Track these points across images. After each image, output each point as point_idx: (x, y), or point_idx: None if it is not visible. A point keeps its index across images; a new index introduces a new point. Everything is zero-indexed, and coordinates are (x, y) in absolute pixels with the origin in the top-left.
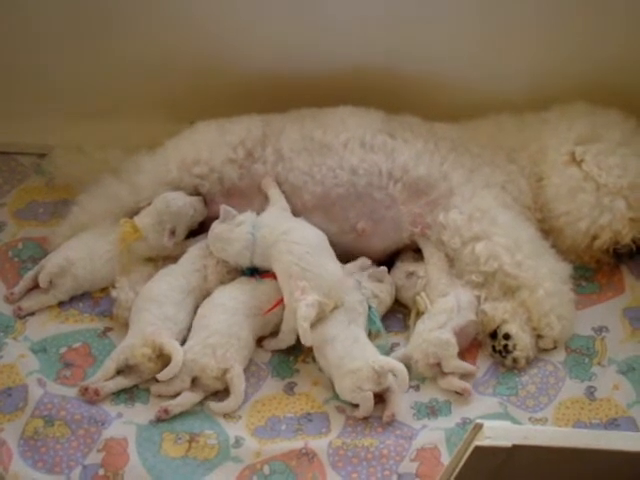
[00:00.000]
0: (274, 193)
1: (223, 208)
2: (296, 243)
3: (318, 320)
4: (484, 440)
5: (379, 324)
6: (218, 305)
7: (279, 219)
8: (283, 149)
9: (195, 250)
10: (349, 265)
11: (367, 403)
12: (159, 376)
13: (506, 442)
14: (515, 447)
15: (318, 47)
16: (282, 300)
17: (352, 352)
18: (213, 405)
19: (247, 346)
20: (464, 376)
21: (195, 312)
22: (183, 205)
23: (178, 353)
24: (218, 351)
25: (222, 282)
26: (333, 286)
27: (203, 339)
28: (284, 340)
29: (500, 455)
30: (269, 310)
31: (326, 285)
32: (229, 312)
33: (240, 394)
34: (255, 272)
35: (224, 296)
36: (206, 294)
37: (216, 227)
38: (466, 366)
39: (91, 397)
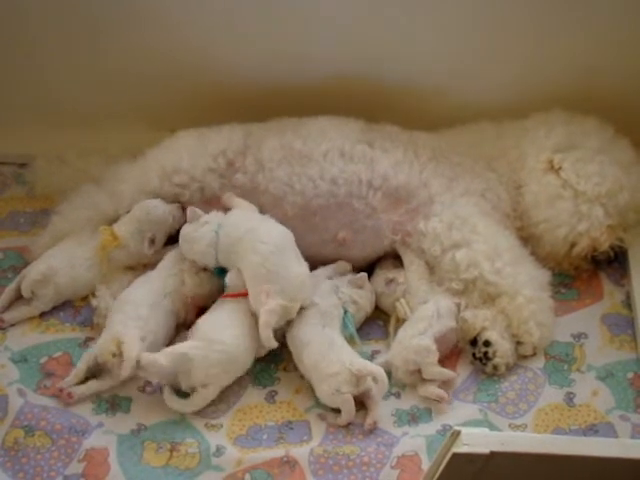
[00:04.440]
0: (238, 202)
1: (190, 209)
2: (261, 242)
3: (292, 325)
4: (461, 447)
5: (352, 329)
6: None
7: (244, 217)
8: (264, 159)
9: (171, 255)
10: (326, 268)
11: (348, 406)
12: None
13: (483, 449)
14: (493, 454)
15: (299, 56)
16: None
17: (328, 356)
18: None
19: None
20: (444, 383)
21: (171, 316)
22: (163, 213)
23: (131, 350)
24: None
25: (199, 284)
26: (298, 288)
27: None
28: (262, 346)
29: (478, 462)
30: (233, 295)
31: (291, 287)
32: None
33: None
34: (224, 272)
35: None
36: (183, 297)
37: (184, 228)
38: (446, 372)
39: (65, 399)
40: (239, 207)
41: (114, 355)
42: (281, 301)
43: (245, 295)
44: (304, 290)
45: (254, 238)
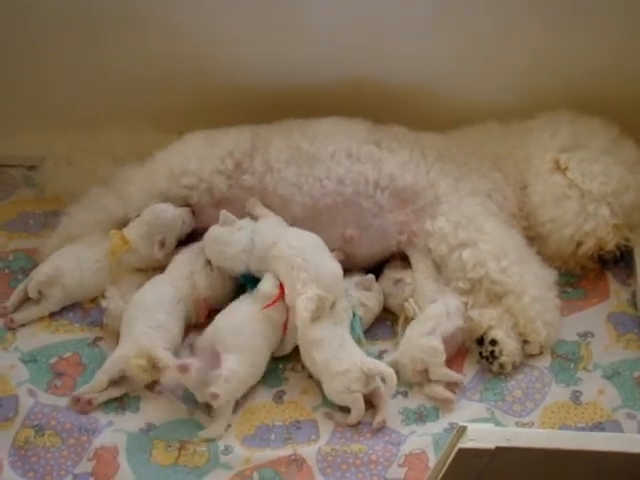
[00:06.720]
0: (263, 210)
1: (223, 214)
2: (296, 239)
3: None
4: (467, 442)
5: (359, 332)
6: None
7: (277, 226)
8: (271, 160)
9: (181, 258)
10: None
11: (358, 405)
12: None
13: (489, 444)
14: (498, 449)
15: (305, 59)
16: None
17: (339, 355)
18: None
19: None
20: (451, 384)
21: (184, 321)
22: (172, 216)
23: (169, 361)
24: None
25: (211, 286)
26: (333, 280)
27: None
28: (292, 339)
29: (483, 457)
30: (268, 305)
31: (326, 279)
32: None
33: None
34: (250, 280)
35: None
36: (196, 300)
37: (215, 230)
38: (453, 375)
39: (83, 407)
40: (267, 217)
41: (145, 370)
42: (317, 290)
43: (279, 299)
44: (338, 283)
45: (289, 238)
